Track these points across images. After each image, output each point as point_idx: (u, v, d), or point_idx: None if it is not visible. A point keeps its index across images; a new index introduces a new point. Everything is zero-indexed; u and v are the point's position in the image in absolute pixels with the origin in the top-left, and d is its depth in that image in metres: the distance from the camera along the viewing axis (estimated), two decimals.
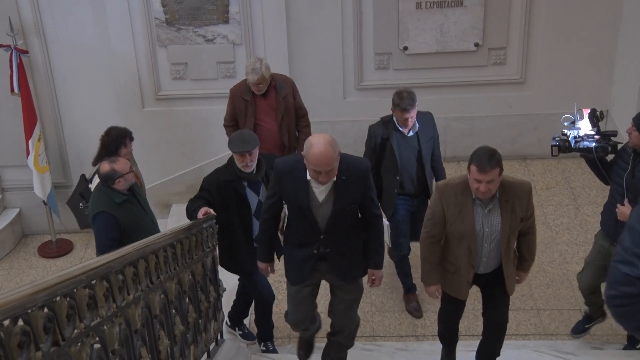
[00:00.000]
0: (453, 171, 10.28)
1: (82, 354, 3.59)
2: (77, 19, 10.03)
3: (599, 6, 10.12)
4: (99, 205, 7.13)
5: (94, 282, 3.85)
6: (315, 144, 5.14)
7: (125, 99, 10.40)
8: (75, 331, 3.57)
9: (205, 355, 6.32)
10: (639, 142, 5.95)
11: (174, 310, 5.36)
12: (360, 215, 5.90)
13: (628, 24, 9.90)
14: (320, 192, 5.48)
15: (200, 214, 6.51)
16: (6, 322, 2.89)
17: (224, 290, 7.28)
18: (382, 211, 6.72)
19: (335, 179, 5.41)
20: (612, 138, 6.55)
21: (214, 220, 6.90)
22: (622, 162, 6.25)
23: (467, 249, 5.53)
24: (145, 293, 4.72)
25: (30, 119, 9.89)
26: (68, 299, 3.49)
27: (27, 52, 9.90)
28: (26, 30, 9.99)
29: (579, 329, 7.26)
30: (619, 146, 6.45)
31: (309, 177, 5.41)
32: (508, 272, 5.63)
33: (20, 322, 3.01)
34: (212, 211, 6.55)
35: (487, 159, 4.97)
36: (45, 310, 3.25)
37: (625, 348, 7.20)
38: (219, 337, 7.00)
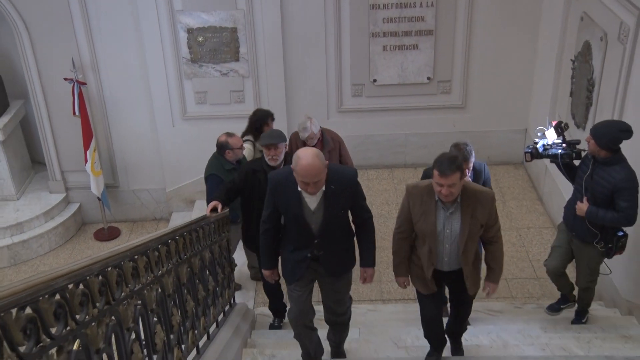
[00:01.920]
0: (411, 175, 10.40)
1: (128, 311, 3.72)
2: (122, 57, 10.00)
3: (519, 47, 10.13)
4: (211, 169, 7.29)
5: (136, 257, 3.98)
6: (303, 157, 4.64)
7: (159, 119, 10.35)
8: (122, 294, 3.69)
9: (221, 315, 6.27)
10: (596, 149, 5.69)
11: (197, 280, 5.43)
12: (352, 220, 5.38)
13: (541, 60, 9.91)
14: (311, 201, 4.95)
15: (208, 209, 6.23)
16: (70, 286, 3.00)
17: (236, 265, 7.26)
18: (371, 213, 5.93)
19: (324, 188, 4.89)
20: (577, 146, 6.30)
21: (228, 211, 6.78)
22: (584, 166, 5.99)
23: (427, 248, 5.04)
24: (175, 266, 4.82)
25: (87, 135, 9.85)
26: (117, 269, 3.63)
27: (85, 83, 9.83)
28: (84, 67, 9.93)
29: (555, 308, 6.71)
30: (583, 153, 6.17)
31: (300, 189, 4.89)
32: (467, 274, 5.11)
33: (81, 286, 3.12)
34: (219, 206, 6.21)
35: (447, 164, 4.57)
36: (100, 277, 3.37)
37: (550, 309, 6.73)
38: (232, 301, 6.94)
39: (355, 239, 5.53)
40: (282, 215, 5.19)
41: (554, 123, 6.40)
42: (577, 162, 6.20)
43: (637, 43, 6.78)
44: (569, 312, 6.75)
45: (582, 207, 5.77)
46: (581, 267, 6.29)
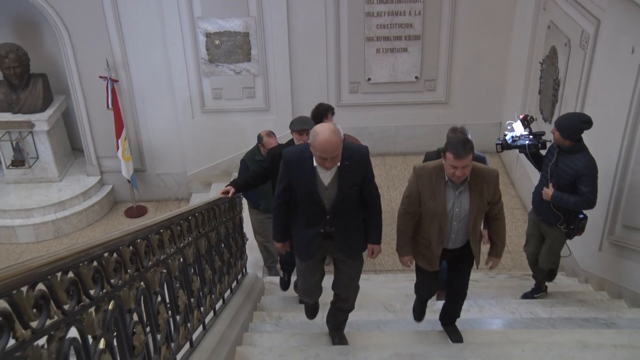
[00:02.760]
0: (400, 162, 10.52)
1: (155, 277, 3.75)
2: (149, 58, 10.05)
3: (495, 50, 10.11)
4: (245, 155, 7.13)
5: (161, 231, 4.00)
6: (321, 132, 4.23)
7: (181, 112, 10.40)
8: (150, 262, 3.72)
9: (234, 282, 6.25)
10: (560, 140, 5.54)
11: (214, 252, 5.39)
12: (361, 196, 4.78)
13: (513, 63, 9.89)
14: (325, 176, 4.48)
15: (220, 191, 5.99)
16: (106, 254, 3.05)
17: (247, 239, 7.28)
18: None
19: (339, 164, 4.44)
20: (542, 137, 6.18)
21: (240, 193, 6.75)
22: (550, 155, 5.81)
23: (438, 226, 4.61)
24: (195, 239, 4.79)
25: (119, 125, 9.92)
26: (145, 241, 3.66)
27: (117, 80, 9.89)
28: (117, 66, 9.98)
29: (529, 297, 6.50)
30: (548, 144, 6.03)
31: (315, 164, 4.42)
32: (475, 248, 4.73)
33: (115, 255, 3.17)
34: (231, 191, 5.86)
35: (462, 147, 4.22)
36: (131, 247, 3.41)
37: (524, 296, 6.54)
38: (244, 271, 6.95)
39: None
40: (295, 190, 4.67)
41: (521, 116, 6.31)
42: (543, 152, 6.07)
43: (596, 48, 6.81)
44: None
45: (548, 192, 5.64)
46: (545, 248, 6.15)
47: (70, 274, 2.68)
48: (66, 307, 2.61)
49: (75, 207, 10.33)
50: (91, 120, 10.45)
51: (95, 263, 2.96)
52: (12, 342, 2.24)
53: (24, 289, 2.32)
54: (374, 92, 10.52)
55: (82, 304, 2.76)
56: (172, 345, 3.92)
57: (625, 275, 6.31)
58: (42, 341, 2.42)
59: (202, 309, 4.78)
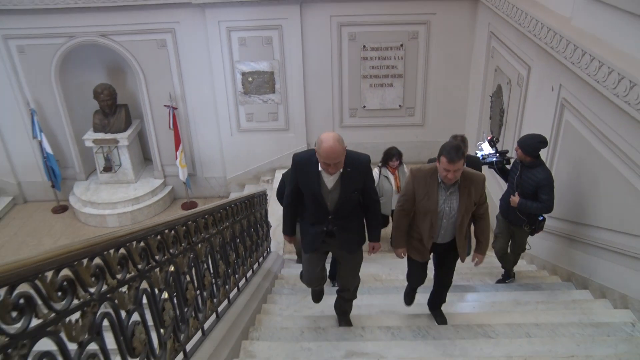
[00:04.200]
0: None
1: (202, 250, 3.78)
2: (200, 91, 10.13)
3: (458, 86, 10.12)
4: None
5: (206, 216, 4.03)
6: (325, 140, 3.80)
7: (222, 131, 10.45)
8: (198, 239, 3.76)
9: (261, 258, 6.28)
10: (522, 156, 5.29)
11: (245, 234, 5.38)
12: (362, 200, 4.32)
13: (471, 95, 9.84)
14: (329, 181, 4.04)
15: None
16: (166, 231, 3.15)
17: (271, 226, 7.31)
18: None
19: (341, 170, 4.00)
20: (507, 155, 5.96)
21: (265, 190, 6.75)
22: (514, 169, 5.52)
23: (429, 222, 4.23)
24: (231, 224, 4.80)
25: (177, 141, 9.98)
26: (194, 223, 3.69)
27: (176, 108, 10.01)
28: (177, 98, 10.10)
29: (501, 281, 6.15)
30: (512, 160, 5.76)
31: (320, 169, 4.00)
32: (460, 243, 4.30)
33: (172, 232, 3.26)
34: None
35: (454, 153, 3.87)
36: (184, 227, 3.47)
37: (498, 282, 6.19)
38: (268, 249, 6.95)
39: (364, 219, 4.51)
40: (302, 191, 4.24)
41: (488, 138, 6.04)
42: (508, 167, 5.85)
43: (528, 87, 6.95)
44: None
45: (515, 200, 5.37)
46: (516, 243, 5.84)
47: (142, 243, 2.80)
48: (139, 266, 2.75)
49: (146, 201, 10.45)
50: (158, 137, 10.55)
51: (159, 237, 3.03)
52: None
53: (112, 251, 2.45)
54: (368, 117, 10.49)
55: (150, 265, 2.87)
56: (215, 300, 4.00)
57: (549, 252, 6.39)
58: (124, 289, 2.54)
59: (236, 276, 4.81)
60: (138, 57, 9.77)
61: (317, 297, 4.96)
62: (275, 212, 8.07)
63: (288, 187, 4.38)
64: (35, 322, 1.87)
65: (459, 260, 4.51)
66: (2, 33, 9.55)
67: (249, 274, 5.48)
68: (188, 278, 3.46)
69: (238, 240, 5.07)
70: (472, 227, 4.48)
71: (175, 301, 3.19)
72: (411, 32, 9.85)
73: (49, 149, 9.97)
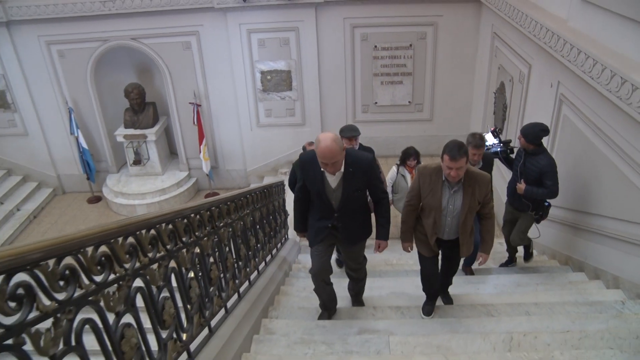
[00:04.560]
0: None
1: (225, 234, 3.84)
2: (222, 89, 10.22)
3: (463, 83, 10.14)
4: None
5: (228, 203, 4.05)
6: (322, 140, 3.63)
7: (243, 126, 10.53)
8: (221, 223, 3.80)
9: (279, 244, 6.34)
10: (525, 144, 5.16)
11: (265, 221, 5.40)
12: (371, 197, 4.21)
13: (476, 92, 9.85)
14: (332, 180, 3.89)
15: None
16: (192, 215, 3.19)
17: (288, 214, 7.01)
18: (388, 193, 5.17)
19: (343, 170, 3.84)
20: (510, 144, 5.83)
21: (282, 181, 6.76)
22: (518, 157, 5.38)
23: (433, 219, 4.09)
24: (251, 211, 4.81)
25: (201, 136, 10.08)
26: (217, 209, 3.75)
27: (200, 105, 10.12)
28: (201, 95, 10.20)
29: (504, 265, 6.13)
30: (515, 149, 5.63)
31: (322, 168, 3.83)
32: (463, 241, 4.14)
33: (198, 216, 3.28)
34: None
35: (457, 150, 3.71)
36: (208, 212, 3.52)
37: (501, 265, 6.16)
38: (286, 236, 6.98)
39: (372, 214, 4.44)
40: (309, 190, 4.09)
41: (491, 129, 5.91)
42: (512, 156, 5.74)
43: (529, 84, 6.97)
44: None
45: (521, 187, 5.24)
46: (516, 229, 5.67)
47: (170, 226, 2.87)
48: (168, 246, 2.80)
49: (172, 192, 10.54)
50: (183, 132, 10.65)
51: (185, 220, 3.08)
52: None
53: (144, 231, 2.54)
54: (380, 112, 10.51)
55: (177, 246, 2.93)
56: (237, 281, 4.08)
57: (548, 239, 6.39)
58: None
59: (256, 259, 4.86)
60: (165, 58, 9.89)
61: (329, 306, 4.59)
62: (292, 201, 8.07)
63: (297, 184, 4.23)
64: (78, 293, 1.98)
65: None
66: (45, 39, 9.78)
67: (268, 258, 5.52)
68: (212, 260, 3.51)
69: (258, 227, 5.06)
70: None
71: (200, 280, 3.27)
72: (420, 32, 9.86)
73: (84, 144, 10.16)
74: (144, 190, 10.40)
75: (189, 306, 3.08)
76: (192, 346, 3.09)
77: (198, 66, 10.03)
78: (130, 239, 2.39)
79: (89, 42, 9.75)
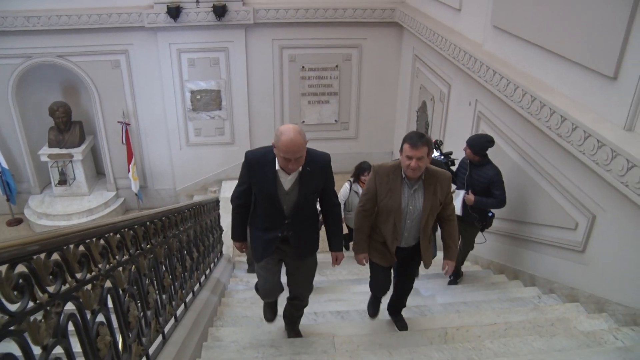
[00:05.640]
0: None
1: (161, 251, 3.82)
2: (151, 108, 10.17)
3: (387, 102, 10.57)
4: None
5: (155, 220, 3.91)
6: (285, 132, 3.10)
7: (172, 145, 10.49)
8: (156, 241, 3.81)
9: (215, 259, 6.30)
10: (471, 156, 5.14)
11: (198, 240, 5.24)
12: (321, 205, 3.68)
13: (399, 111, 10.25)
14: (286, 181, 3.34)
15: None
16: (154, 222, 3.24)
17: (223, 230, 7.18)
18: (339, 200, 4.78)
19: (300, 169, 3.30)
20: (451, 156, 5.78)
21: (218, 197, 6.86)
22: (462, 169, 5.32)
23: (392, 224, 3.67)
24: (186, 229, 4.64)
25: (129, 155, 9.93)
26: (143, 227, 3.71)
27: (129, 124, 10.01)
28: (129, 114, 10.10)
29: (454, 282, 5.83)
30: (456, 161, 5.58)
31: (277, 167, 3.28)
32: (424, 247, 3.76)
33: (131, 232, 3.40)
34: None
35: (417, 137, 3.37)
36: (143, 228, 3.57)
37: (450, 283, 5.87)
38: (221, 252, 6.90)
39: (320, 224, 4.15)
40: (255, 194, 3.52)
41: (433, 141, 5.33)
42: (453, 168, 5.66)
43: (450, 102, 7.43)
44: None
45: (470, 198, 5.15)
46: (466, 240, 5.65)
47: (131, 232, 2.88)
48: (131, 251, 2.90)
49: (100, 212, 10.29)
50: (110, 152, 10.48)
51: (118, 235, 2.84)
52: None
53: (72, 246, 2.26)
54: (307, 131, 9.90)
55: (138, 252, 3.02)
56: (174, 303, 3.88)
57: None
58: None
59: (196, 273, 4.87)
60: (93, 76, 9.75)
61: (272, 312, 4.33)
62: (227, 217, 8.12)
63: (237, 188, 3.61)
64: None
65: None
66: None
67: (207, 272, 5.56)
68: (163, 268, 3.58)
69: (192, 245, 4.89)
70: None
71: (156, 287, 3.32)
72: (345, 54, 10.28)
73: (4, 164, 9.74)
74: (69, 211, 10.10)
75: (148, 312, 3.16)
76: (150, 350, 3.15)
77: (127, 85, 9.95)
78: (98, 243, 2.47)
79: (11, 58, 9.44)
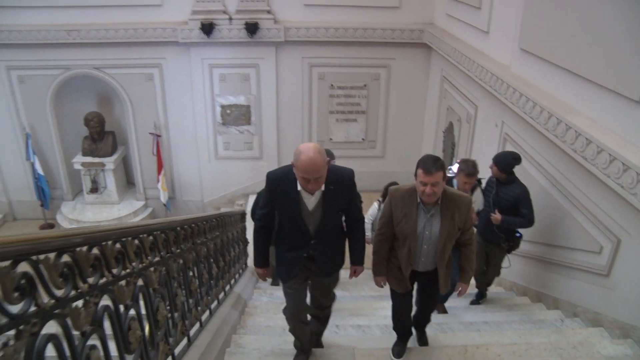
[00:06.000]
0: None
1: (189, 256, 3.97)
2: (182, 121, 10.37)
3: (414, 122, 10.59)
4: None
5: (185, 226, 4.21)
6: (304, 151, 3.02)
7: (201, 158, 10.66)
8: (187, 245, 4.02)
9: (240, 271, 6.41)
10: (498, 173, 5.04)
11: (225, 251, 5.39)
12: (345, 220, 3.59)
13: (426, 131, 10.28)
14: (310, 201, 3.27)
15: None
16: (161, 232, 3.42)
17: (248, 242, 7.16)
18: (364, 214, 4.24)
19: (323, 188, 3.21)
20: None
21: (244, 210, 6.93)
22: (489, 187, 5.19)
23: (408, 248, 3.55)
24: (214, 238, 4.85)
25: (159, 166, 10.21)
26: (173, 232, 3.93)
27: (160, 136, 10.30)
28: (161, 126, 10.35)
29: (476, 302, 5.83)
30: (483, 180, 5.36)
31: (299, 188, 3.20)
32: (441, 273, 3.61)
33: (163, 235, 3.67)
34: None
35: (432, 162, 3.24)
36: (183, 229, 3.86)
37: (472, 303, 5.88)
38: (245, 264, 6.97)
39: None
40: (279, 214, 3.45)
41: (457, 161, 5.32)
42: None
43: (476, 123, 7.47)
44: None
45: (497, 217, 5.01)
46: (491, 263, 5.53)
47: (136, 241, 2.76)
48: (162, 253, 3.05)
49: (128, 222, 10.02)
50: (141, 162, 10.74)
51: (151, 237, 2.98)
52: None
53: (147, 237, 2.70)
54: (334, 148, 10.02)
55: (169, 254, 3.16)
56: (199, 308, 4.04)
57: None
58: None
59: (222, 282, 5.01)
60: (127, 88, 10.03)
61: (306, 347, 4.06)
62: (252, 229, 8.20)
63: (259, 211, 3.53)
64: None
65: None
66: (5, 64, 9.79)
67: (232, 282, 5.66)
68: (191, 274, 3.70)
69: (219, 256, 5.03)
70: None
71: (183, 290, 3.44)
72: (374, 74, 10.39)
73: (40, 171, 10.07)
74: (100, 219, 10.30)
75: (175, 313, 3.28)
76: (176, 351, 3.25)
77: (159, 97, 10.21)
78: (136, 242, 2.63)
79: (51, 69, 9.81)
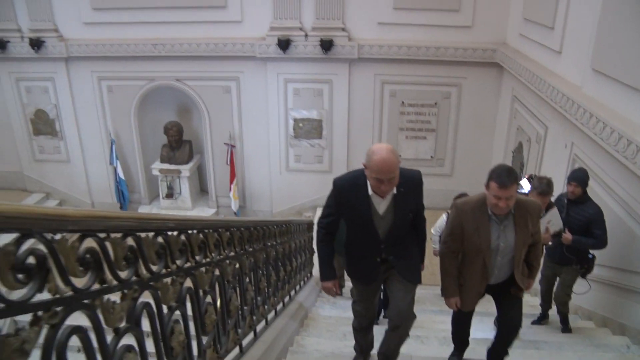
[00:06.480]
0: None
1: (270, 252, 4.21)
2: (256, 133, 10.78)
3: (483, 141, 10.55)
4: None
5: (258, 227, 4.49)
6: (377, 151, 2.96)
7: (273, 169, 11.00)
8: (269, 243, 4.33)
9: (306, 277, 6.63)
10: (578, 191, 4.84)
11: (292, 257, 5.59)
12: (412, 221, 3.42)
13: (495, 150, 10.24)
14: (380, 205, 3.17)
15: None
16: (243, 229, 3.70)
17: (314, 252, 7.11)
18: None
19: (395, 191, 3.14)
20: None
21: (312, 220, 7.00)
22: (560, 206, 4.93)
23: (482, 262, 3.40)
24: (283, 242, 5.03)
25: (232, 176, 10.65)
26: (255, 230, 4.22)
27: (235, 146, 10.72)
28: (235, 137, 10.79)
29: (537, 323, 5.70)
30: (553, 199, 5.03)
31: (370, 192, 3.12)
32: (519, 278, 3.46)
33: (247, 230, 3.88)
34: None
35: (506, 175, 3.09)
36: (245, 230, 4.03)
37: (533, 322, 5.72)
38: (312, 271, 7.17)
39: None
40: (346, 221, 3.37)
41: (526, 177, 5.55)
42: None
43: (546, 144, 7.44)
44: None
45: (568, 237, 4.81)
46: (560, 284, 5.32)
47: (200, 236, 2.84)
48: (237, 249, 3.28)
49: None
50: (215, 171, 11.17)
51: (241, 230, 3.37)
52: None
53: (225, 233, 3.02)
54: (403, 166, 10.86)
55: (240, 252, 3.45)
56: (266, 306, 4.28)
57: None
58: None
59: (292, 282, 5.22)
60: (205, 99, 10.60)
61: (365, 351, 4.07)
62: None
63: (323, 220, 3.46)
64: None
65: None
66: (97, 75, 10.65)
67: (302, 283, 5.95)
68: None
69: (287, 261, 5.22)
70: None
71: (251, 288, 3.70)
72: (444, 92, 10.47)
73: (122, 175, 10.82)
74: None
75: (245, 307, 3.55)
76: (243, 342, 3.51)
77: (235, 109, 10.68)
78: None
79: (137, 80, 10.55)
